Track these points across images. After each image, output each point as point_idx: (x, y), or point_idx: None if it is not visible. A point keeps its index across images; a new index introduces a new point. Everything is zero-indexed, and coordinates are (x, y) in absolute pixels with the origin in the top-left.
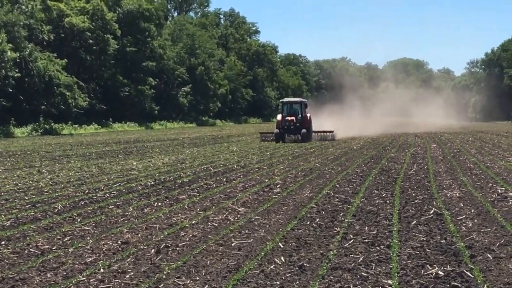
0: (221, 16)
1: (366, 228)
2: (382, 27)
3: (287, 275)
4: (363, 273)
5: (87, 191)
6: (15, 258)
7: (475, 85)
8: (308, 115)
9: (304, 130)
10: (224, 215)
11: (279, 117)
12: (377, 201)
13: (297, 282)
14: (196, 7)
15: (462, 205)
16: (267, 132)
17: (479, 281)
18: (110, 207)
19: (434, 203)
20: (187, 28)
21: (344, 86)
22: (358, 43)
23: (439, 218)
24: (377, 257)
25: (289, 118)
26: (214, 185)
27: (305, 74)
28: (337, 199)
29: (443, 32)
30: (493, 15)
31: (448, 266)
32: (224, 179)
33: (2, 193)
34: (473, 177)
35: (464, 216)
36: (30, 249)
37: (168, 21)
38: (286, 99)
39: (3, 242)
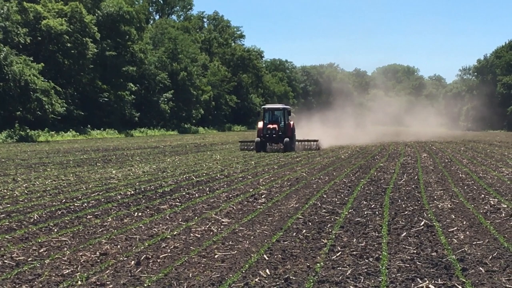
0: (205, 20)
1: (355, 240)
2: (371, 33)
3: None
4: (351, 287)
5: (64, 200)
6: None
7: (467, 93)
8: (292, 123)
9: (287, 139)
10: (207, 226)
11: (260, 124)
12: (365, 212)
13: None
14: (178, 10)
15: (453, 216)
16: (247, 140)
17: None
18: (88, 217)
19: (425, 214)
20: (169, 32)
21: (331, 93)
22: (346, 49)
23: (430, 230)
24: (365, 270)
25: (271, 126)
26: (196, 195)
27: (291, 80)
28: (324, 210)
29: (434, 38)
30: (486, 22)
31: (439, 280)
32: (207, 189)
33: None
34: (465, 187)
35: (455, 228)
36: (5, 260)
37: (150, 24)
38: (268, 106)
39: None
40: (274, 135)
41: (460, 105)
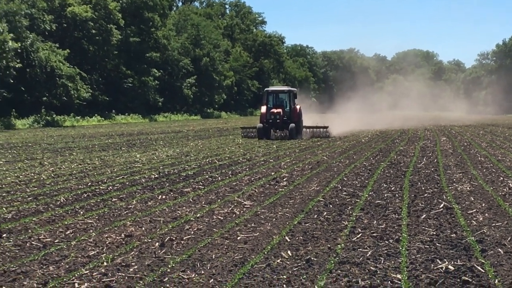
0: (227, 6)
1: (375, 222)
2: (391, 18)
3: (294, 269)
4: (371, 267)
5: (90, 183)
6: (17, 251)
7: (486, 77)
8: (298, 107)
9: (292, 125)
10: (230, 208)
11: (263, 109)
12: (385, 195)
13: (304, 276)
14: None
15: (472, 199)
16: (249, 127)
17: (490, 276)
18: (114, 200)
19: (444, 196)
20: (192, 18)
21: (352, 78)
22: (366, 34)
23: (449, 212)
24: (386, 251)
25: (274, 110)
26: (219, 178)
27: (312, 65)
28: (345, 193)
29: (453, 23)
30: (505, 7)
31: (459, 261)
32: (230, 172)
33: (4, 186)
34: (484, 170)
35: (474, 210)
36: (32, 242)
37: (173, 11)
38: (271, 88)
39: (4, 235)
40: (278, 121)
41: (479, 90)
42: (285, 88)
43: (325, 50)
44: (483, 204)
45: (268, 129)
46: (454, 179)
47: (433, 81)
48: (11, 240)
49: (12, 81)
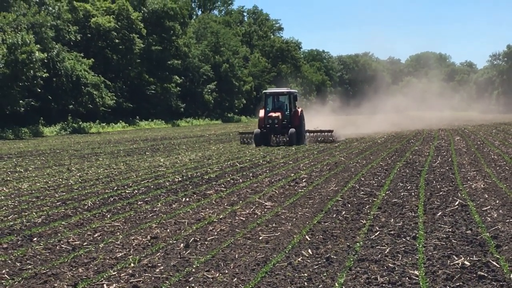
0: (245, 14)
1: (392, 220)
2: (404, 22)
3: (315, 267)
4: (389, 264)
5: (116, 187)
6: (47, 254)
7: (498, 78)
8: (299, 110)
9: (292, 130)
10: (251, 209)
11: (261, 113)
12: (402, 194)
13: (325, 274)
14: (220, 5)
15: (486, 196)
16: (248, 132)
17: (505, 270)
18: (139, 203)
19: (459, 194)
20: (211, 26)
21: (366, 81)
22: (380, 38)
23: (464, 209)
24: (403, 248)
25: (273, 114)
26: (241, 180)
27: (328, 69)
28: (362, 192)
29: (465, 25)
30: None
31: (474, 256)
32: (251, 174)
33: (33, 191)
34: (497, 168)
35: (489, 207)
36: (62, 245)
37: (193, 19)
38: (270, 90)
39: (35, 239)
40: (277, 125)
41: (491, 90)
42: (285, 89)
43: (341, 54)
44: (497, 201)
45: (267, 135)
46: (469, 177)
47: (446, 83)
48: (42, 244)
49: (39, 90)
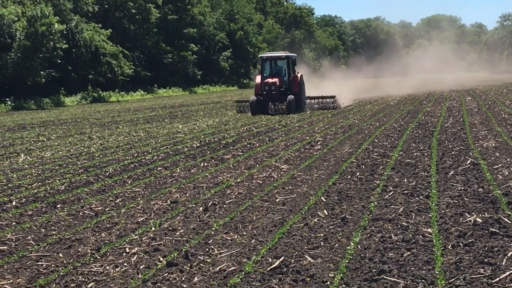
0: None
1: (405, 180)
2: None
3: (330, 227)
4: (403, 223)
5: (136, 154)
6: (71, 220)
7: (508, 38)
8: (299, 75)
9: (291, 97)
10: (268, 173)
11: (257, 79)
12: (415, 154)
13: (340, 234)
14: None
15: (498, 154)
16: (244, 100)
17: None
18: (159, 169)
19: (471, 153)
20: None
21: (379, 45)
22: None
23: (476, 168)
24: (416, 207)
25: (270, 80)
26: (257, 145)
27: (341, 34)
28: (376, 154)
29: None
30: None
31: (486, 213)
32: (267, 138)
33: (56, 159)
34: (508, 127)
35: (500, 165)
36: (85, 211)
37: None
38: (266, 54)
39: (59, 206)
40: (274, 92)
41: (501, 50)
42: (283, 53)
43: (353, 19)
44: (508, 159)
45: (264, 102)
46: (480, 137)
47: (457, 44)
48: (65, 210)
49: (59, 61)
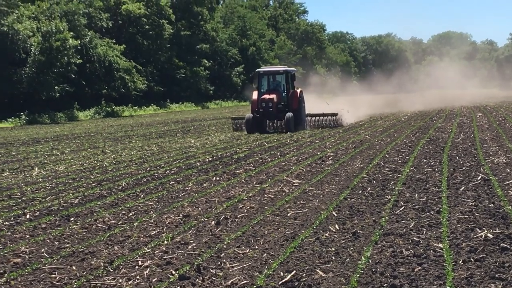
0: None
1: (416, 195)
2: (426, 1)
3: (342, 242)
4: (414, 238)
5: (148, 168)
6: (84, 233)
7: None
8: (298, 90)
9: (289, 114)
10: (280, 187)
11: (254, 95)
12: (426, 169)
13: (351, 248)
14: None
15: (508, 170)
16: (241, 117)
17: None
18: (171, 183)
19: (481, 169)
20: (238, 11)
21: (390, 61)
22: (403, 19)
23: (487, 184)
24: (427, 222)
25: (266, 96)
26: (269, 159)
27: (352, 50)
28: (387, 169)
29: (486, 4)
30: None
31: (497, 229)
32: (278, 153)
33: (70, 173)
34: None
35: (511, 181)
36: (98, 224)
37: (220, 4)
38: (264, 68)
39: (72, 219)
40: (271, 109)
41: None
42: (281, 68)
43: (364, 36)
44: None
45: (261, 120)
46: (491, 152)
47: (467, 61)
48: (79, 223)
49: (73, 76)
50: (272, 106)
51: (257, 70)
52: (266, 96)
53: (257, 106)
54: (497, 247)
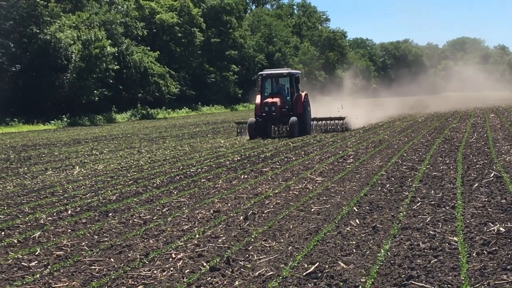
0: (295, 7)
1: (432, 191)
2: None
3: (362, 235)
4: (430, 232)
5: (181, 167)
6: (122, 228)
7: None
8: (303, 94)
9: (293, 119)
10: (304, 184)
11: (257, 99)
12: (441, 167)
13: (371, 241)
14: (271, 0)
15: None
16: (244, 121)
17: None
18: (202, 180)
19: (494, 167)
20: (264, 19)
21: (407, 66)
22: (420, 25)
23: (499, 181)
24: (443, 217)
25: (270, 100)
26: (293, 158)
27: (371, 55)
28: (405, 167)
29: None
30: None
31: (509, 223)
32: (303, 153)
33: (108, 172)
34: None
35: None
36: (134, 220)
37: (247, 13)
38: (267, 71)
39: (110, 214)
40: (274, 113)
41: None
42: (285, 71)
43: (383, 42)
44: None
45: (264, 124)
46: (503, 151)
47: (480, 65)
48: (116, 218)
49: (111, 81)
50: (275, 110)
51: (260, 73)
52: (269, 100)
53: (260, 109)
54: (509, 240)
